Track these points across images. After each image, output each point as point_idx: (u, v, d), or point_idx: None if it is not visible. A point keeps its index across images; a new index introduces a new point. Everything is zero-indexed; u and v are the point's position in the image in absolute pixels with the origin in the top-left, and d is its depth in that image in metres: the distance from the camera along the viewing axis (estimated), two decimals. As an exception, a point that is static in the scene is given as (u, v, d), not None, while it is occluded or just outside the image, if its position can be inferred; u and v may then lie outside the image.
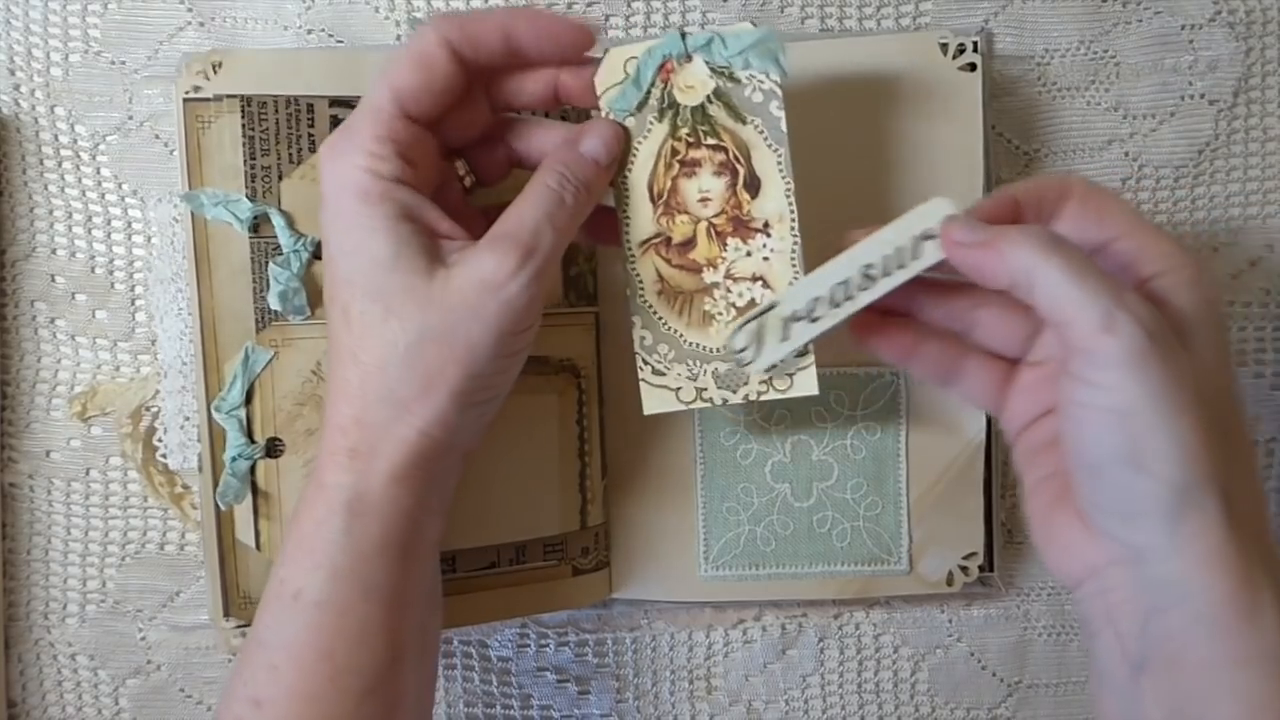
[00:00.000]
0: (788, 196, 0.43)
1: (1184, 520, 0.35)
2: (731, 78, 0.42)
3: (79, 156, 0.52)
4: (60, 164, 0.52)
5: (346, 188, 0.39)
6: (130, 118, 0.52)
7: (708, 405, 0.44)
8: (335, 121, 0.46)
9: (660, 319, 0.44)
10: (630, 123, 0.43)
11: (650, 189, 0.43)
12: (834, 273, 0.41)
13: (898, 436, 0.51)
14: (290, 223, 0.46)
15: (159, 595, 0.53)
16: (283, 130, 0.46)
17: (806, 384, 0.43)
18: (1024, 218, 0.40)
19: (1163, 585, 0.36)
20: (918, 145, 0.50)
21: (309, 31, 0.52)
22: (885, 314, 0.42)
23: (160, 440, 0.52)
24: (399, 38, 0.52)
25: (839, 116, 0.50)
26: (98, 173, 0.52)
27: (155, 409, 0.52)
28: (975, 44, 0.49)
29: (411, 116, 0.40)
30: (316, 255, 0.46)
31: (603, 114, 0.43)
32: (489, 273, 0.38)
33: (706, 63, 0.42)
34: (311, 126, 0.46)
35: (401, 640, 0.40)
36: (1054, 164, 0.52)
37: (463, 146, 0.44)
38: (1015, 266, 0.37)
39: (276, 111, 0.46)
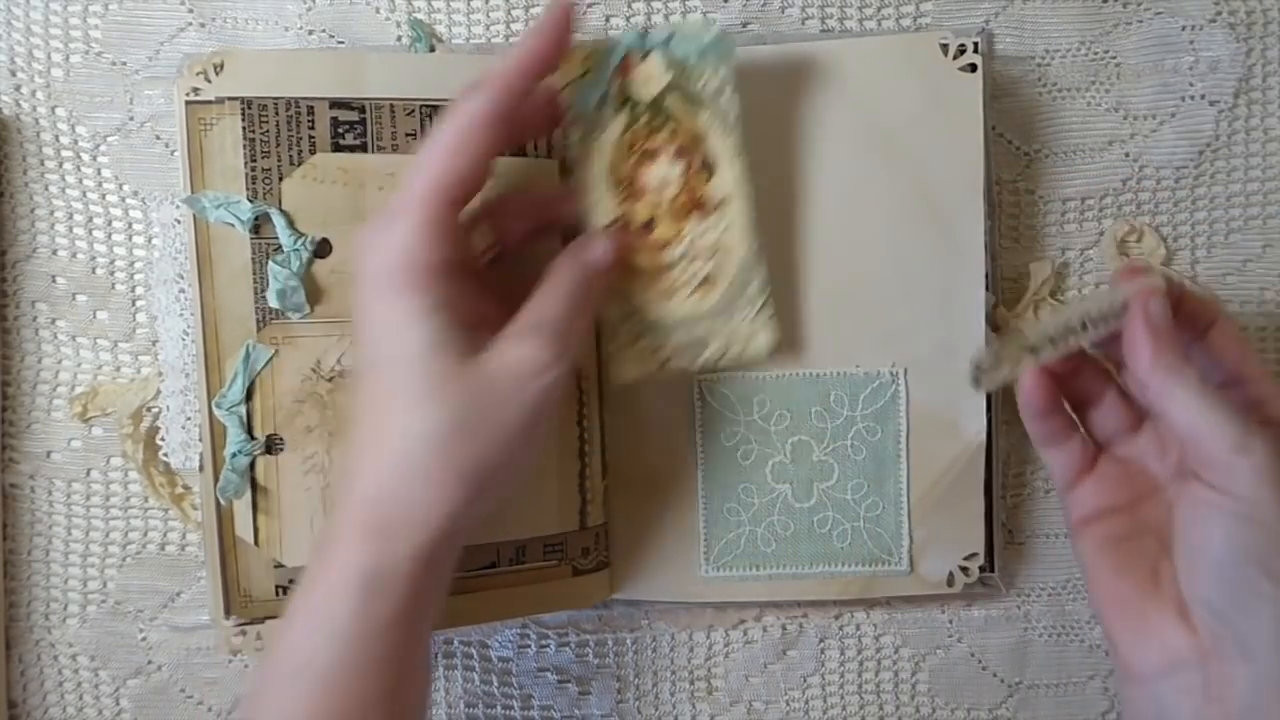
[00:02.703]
0: (741, 176, 0.46)
1: None
2: (684, 70, 0.45)
3: (80, 157, 0.52)
4: (61, 165, 0.52)
5: (388, 274, 0.39)
6: (131, 118, 0.52)
7: (673, 371, 0.47)
8: (335, 123, 0.46)
9: (627, 295, 0.47)
10: (591, 116, 0.46)
11: (611, 177, 0.46)
12: (1062, 320, 0.43)
13: (898, 437, 0.51)
14: (291, 222, 0.46)
15: (159, 596, 0.53)
16: (283, 132, 0.46)
17: (759, 347, 0.47)
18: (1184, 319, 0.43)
19: (1268, 688, 0.39)
20: (918, 146, 0.50)
21: (310, 32, 0.52)
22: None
23: (162, 440, 0.52)
24: (399, 38, 0.52)
25: (840, 117, 0.50)
26: (98, 173, 0.52)
27: (156, 410, 0.52)
28: (976, 44, 0.49)
29: (455, 201, 0.40)
30: (317, 254, 0.47)
31: (564, 110, 0.45)
32: (529, 359, 0.40)
33: (662, 58, 0.45)
34: (312, 129, 0.46)
35: (401, 713, 0.40)
36: (1054, 164, 0.53)
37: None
38: (1162, 383, 0.40)
39: (277, 114, 0.46)
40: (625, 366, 0.48)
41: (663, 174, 0.46)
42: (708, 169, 0.46)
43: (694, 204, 0.46)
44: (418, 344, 0.39)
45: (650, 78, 0.45)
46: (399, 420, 0.39)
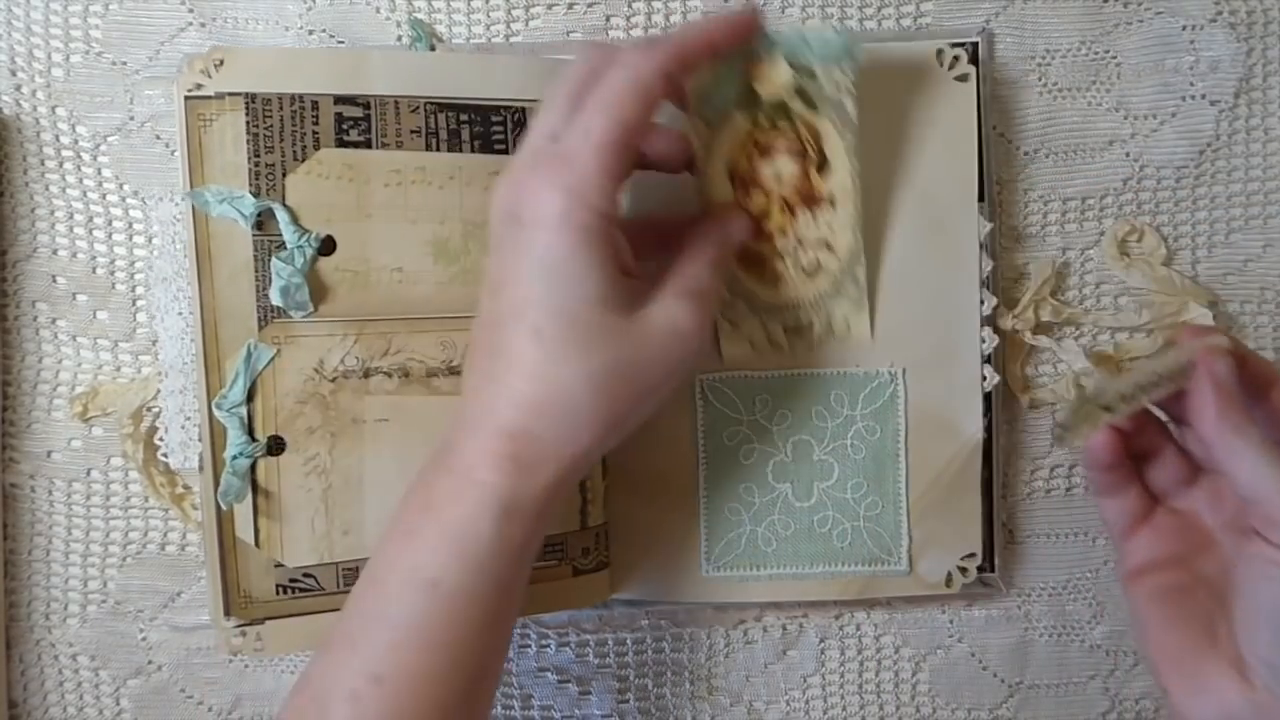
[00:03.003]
0: (853, 176, 0.48)
1: None
2: (810, 74, 0.46)
3: (80, 157, 0.52)
4: (61, 164, 0.52)
5: (572, 221, 0.39)
6: (131, 118, 0.52)
7: (777, 349, 0.51)
8: (340, 119, 0.46)
9: (738, 278, 0.49)
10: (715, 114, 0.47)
11: (730, 169, 0.47)
12: (1135, 378, 0.44)
13: (897, 436, 0.51)
14: (294, 218, 0.46)
15: (160, 596, 0.53)
16: (287, 127, 0.46)
17: (853, 335, 0.51)
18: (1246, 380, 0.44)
19: None
20: (915, 151, 0.50)
21: (310, 32, 0.52)
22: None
23: (161, 439, 0.52)
24: (399, 38, 0.52)
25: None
26: (99, 173, 0.52)
27: (156, 409, 0.52)
28: (972, 52, 0.50)
29: (628, 152, 0.41)
30: (321, 251, 0.46)
31: (690, 113, 0.46)
32: (683, 323, 0.42)
33: (788, 60, 0.45)
34: (316, 124, 0.46)
35: (509, 631, 0.43)
36: (1055, 164, 0.53)
37: None
38: (1227, 442, 0.41)
39: (281, 109, 0.46)
40: (733, 345, 0.51)
41: (779, 168, 0.48)
42: (821, 167, 0.48)
43: (807, 197, 0.48)
44: (589, 293, 0.40)
45: (774, 79, 0.46)
46: (559, 364, 0.40)
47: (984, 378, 0.51)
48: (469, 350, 0.43)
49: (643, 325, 0.41)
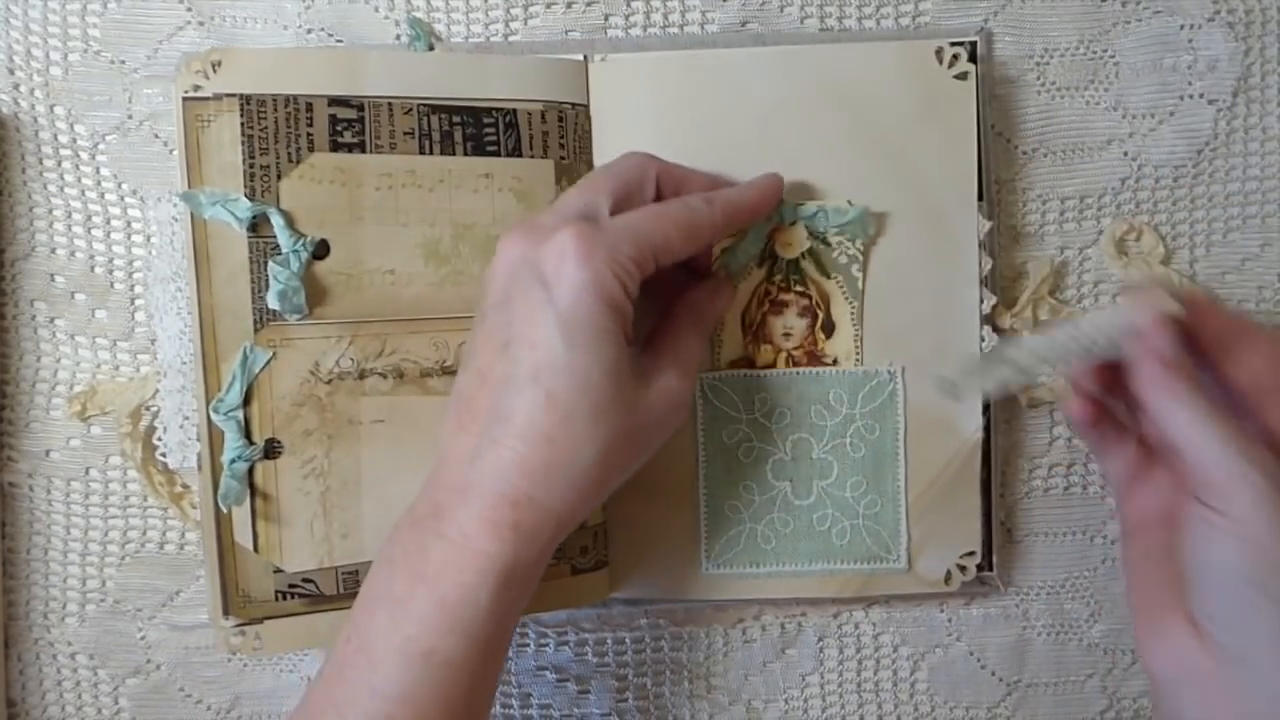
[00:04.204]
0: (856, 341, 0.51)
1: None
2: (825, 241, 0.50)
3: (78, 156, 0.52)
4: (60, 163, 0.52)
5: (599, 290, 0.41)
6: (130, 117, 0.52)
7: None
8: (334, 120, 0.46)
9: None
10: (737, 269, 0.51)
11: (743, 320, 0.51)
12: (1059, 341, 0.44)
13: (896, 435, 0.51)
14: (289, 222, 0.46)
15: (159, 595, 0.53)
16: (281, 129, 0.46)
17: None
18: (1207, 335, 0.43)
19: (1267, 695, 0.40)
20: (914, 149, 0.50)
21: (309, 31, 0.52)
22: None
23: (160, 439, 0.52)
24: (398, 37, 0.52)
25: (837, 120, 0.50)
26: (97, 172, 0.52)
27: (155, 408, 0.52)
28: (972, 50, 0.50)
29: (658, 265, 0.43)
30: (315, 255, 0.46)
31: (715, 268, 0.50)
32: (677, 394, 0.44)
33: (807, 227, 0.50)
34: (310, 125, 0.46)
35: (495, 689, 0.43)
36: (1053, 163, 0.53)
37: None
38: (1164, 410, 0.41)
39: (275, 110, 0.46)
40: None
41: (788, 325, 0.51)
42: (827, 329, 0.51)
43: (811, 356, 0.51)
44: (605, 362, 0.41)
45: (793, 242, 0.50)
46: (568, 431, 0.40)
47: (983, 376, 0.51)
48: (459, 403, 0.43)
49: (647, 397, 0.43)
